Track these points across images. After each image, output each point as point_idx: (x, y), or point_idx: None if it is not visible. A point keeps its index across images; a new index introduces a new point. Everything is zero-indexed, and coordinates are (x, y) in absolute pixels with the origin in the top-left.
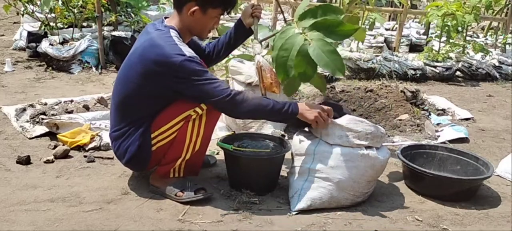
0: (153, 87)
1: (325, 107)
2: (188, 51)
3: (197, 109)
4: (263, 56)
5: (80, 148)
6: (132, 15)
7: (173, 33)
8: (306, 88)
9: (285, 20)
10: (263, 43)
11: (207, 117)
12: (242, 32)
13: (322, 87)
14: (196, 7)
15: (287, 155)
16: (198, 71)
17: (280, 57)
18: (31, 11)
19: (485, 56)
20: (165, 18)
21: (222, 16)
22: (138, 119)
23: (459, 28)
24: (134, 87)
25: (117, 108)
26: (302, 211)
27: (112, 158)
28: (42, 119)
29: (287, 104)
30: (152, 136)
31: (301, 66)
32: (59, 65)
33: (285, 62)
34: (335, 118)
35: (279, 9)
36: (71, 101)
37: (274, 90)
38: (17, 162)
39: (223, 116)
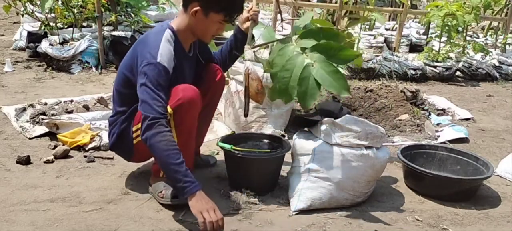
0: (134, 79)
1: (218, 212)
2: (164, 57)
3: (169, 110)
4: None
5: (80, 148)
6: (132, 15)
7: (167, 33)
8: None
9: (282, 20)
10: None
11: (176, 120)
12: (241, 38)
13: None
14: (198, 8)
15: (287, 155)
16: (154, 80)
17: (282, 78)
18: (31, 11)
19: (485, 56)
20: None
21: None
22: (125, 109)
23: (459, 28)
24: (124, 78)
25: (115, 95)
26: (302, 211)
27: (112, 158)
28: (42, 119)
29: (187, 183)
30: (133, 129)
31: (305, 86)
32: (59, 65)
33: (287, 83)
34: (335, 118)
35: (278, 9)
36: (71, 101)
37: (258, 99)
38: (17, 162)
39: (223, 116)
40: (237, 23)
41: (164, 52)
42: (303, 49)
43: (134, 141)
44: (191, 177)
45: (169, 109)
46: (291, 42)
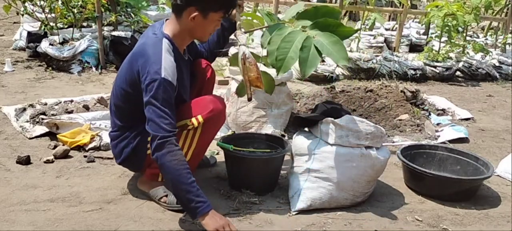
0: (138, 95)
1: (233, 226)
2: (168, 71)
3: (193, 121)
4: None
5: (80, 148)
6: (132, 15)
7: (165, 44)
8: (306, 88)
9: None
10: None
11: (202, 131)
12: (228, 26)
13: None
14: (196, 13)
15: (287, 155)
16: (160, 97)
17: (282, 48)
18: (31, 11)
19: (485, 56)
20: (167, 20)
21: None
22: (134, 122)
23: (459, 28)
24: (123, 93)
25: (115, 109)
26: (302, 211)
27: (112, 158)
28: (42, 119)
29: (199, 203)
30: (149, 139)
31: (305, 53)
32: (59, 65)
33: (286, 53)
34: (335, 118)
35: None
36: (71, 101)
37: (259, 85)
38: (17, 162)
39: None
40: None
41: (168, 66)
42: (304, 28)
43: (148, 151)
44: (203, 197)
45: (200, 118)
46: (286, 25)
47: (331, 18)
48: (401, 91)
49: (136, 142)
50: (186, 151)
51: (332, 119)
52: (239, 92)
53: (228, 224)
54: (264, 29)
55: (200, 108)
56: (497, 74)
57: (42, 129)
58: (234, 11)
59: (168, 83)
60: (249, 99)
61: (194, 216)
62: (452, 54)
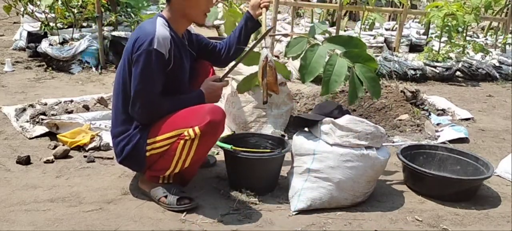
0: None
1: (218, 83)
2: (160, 42)
3: (190, 131)
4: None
5: (80, 148)
6: (132, 15)
7: (159, 20)
8: (306, 88)
9: (276, 19)
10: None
11: (200, 141)
12: (252, 25)
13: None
14: None
15: (287, 155)
16: (149, 66)
17: (327, 71)
18: (31, 11)
19: (485, 56)
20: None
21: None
22: (135, 121)
23: (459, 28)
24: (123, 82)
25: (115, 103)
26: (302, 211)
27: (112, 158)
28: (42, 119)
29: (195, 98)
30: (148, 142)
31: (352, 85)
32: (59, 65)
33: (330, 75)
34: (335, 118)
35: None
36: (71, 101)
37: (275, 89)
38: (17, 162)
39: None
40: (248, 9)
41: (161, 36)
42: (340, 53)
43: (147, 153)
44: (192, 94)
45: (197, 130)
46: (315, 42)
47: (360, 49)
48: (401, 91)
49: (136, 139)
50: (184, 158)
51: (332, 119)
52: (240, 89)
53: (219, 88)
54: (290, 38)
55: (197, 118)
56: (497, 74)
57: (42, 129)
58: (259, 11)
59: (159, 54)
60: (265, 103)
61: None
62: (452, 54)
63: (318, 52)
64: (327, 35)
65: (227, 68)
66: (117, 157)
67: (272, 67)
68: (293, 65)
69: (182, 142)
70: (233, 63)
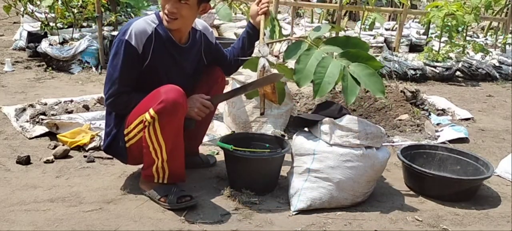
0: None
1: (204, 98)
2: (132, 35)
3: (147, 116)
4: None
5: (80, 148)
6: (132, 15)
7: (150, 16)
8: (306, 88)
9: (274, 19)
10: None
11: (160, 124)
12: (254, 33)
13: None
14: None
15: (287, 155)
16: (118, 55)
17: (318, 73)
18: (31, 11)
19: (485, 56)
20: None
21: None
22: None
23: (459, 28)
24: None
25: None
26: (302, 211)
27: (112, 158)
28: (42, 119)
29: None
30: (125, 132)
31: (345, 82)
32: (59, 65)
33: (322, 77)
34: (335, 118)
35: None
36: (71, 101)
37: (273, 99)
38: (17, 162)
39: (223, 116)
40: (249, 18)
41: (137, 30)
42: (335, 55)
43: (127, 144)
44: None
45: (152, 111)
46: (312, 45)
47: (361, 50)
48: (401, 91)
49: (116, 131)
50: (157, 146)
51: (332, 119)
52: (249, 94)
53: (201, 102)
54: (287, 42)
55: (153, 101)
56: (497, 74)
57: (42, 129)
58: (259, 18)
59: (128, 45)
60: (262, 114)
61: None
62: (452, 54)
63: (314, 55)
64: (334, 33)
65: (219, 97)
66: (103, 146)
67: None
68: (283, 61)
69: (146, 130)
70: (225, 94)
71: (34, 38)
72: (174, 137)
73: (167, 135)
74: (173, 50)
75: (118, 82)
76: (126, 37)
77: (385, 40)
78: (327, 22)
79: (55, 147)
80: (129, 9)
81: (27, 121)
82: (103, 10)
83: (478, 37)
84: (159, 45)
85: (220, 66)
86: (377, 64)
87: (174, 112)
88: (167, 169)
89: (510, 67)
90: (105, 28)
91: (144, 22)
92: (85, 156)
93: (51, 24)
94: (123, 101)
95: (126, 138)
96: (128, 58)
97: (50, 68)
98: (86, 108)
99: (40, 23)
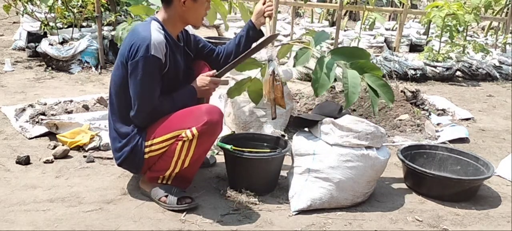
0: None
1: (210, 75)
2: (156, 47)
3: (188, 133)
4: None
5: (79, 148)
6: (132, 15)
7: (153, 24)
8: (306, 88)
9: (276, 19)
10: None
11: (198, 142)
12: (253, 35)
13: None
14: None
15: (287, 155)
16: (146, 72)
17: (344, 84)
18: (31, 11)
19: (485, 56)
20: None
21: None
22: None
23: (460, 28)
24: (118, 83)
25: (113, 110)
26: (302, 211)
27: (111, 158)
28: (42, 119)
29: (187, 98)
30: (146, 144)
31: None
32: (58, 65)
33: (347, 88)
34: (335, 118)
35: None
36: (71, 101)
37: (282, 104)
38: (17, 162)
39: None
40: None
41: (156, 42)
42: (344, 64)
43: (146, 156)
44: (184, 90)
45: (194, 131)
46: (324, 54)
47: (365, 60)
48: (401, 91)
49: (135, 142)
50: (183, 158)
51: (332, 119)
52: (231, 93)
53: (211, 82)
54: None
55: (194, 119)
56: (497, 74)
57: (42, 129)
58: (263, 20)
59: (156, 60)
60: (274, 118)
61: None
62: (452, 54)
63: (326, 65)
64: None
65: (224, 67)
66: (116, 159)
67: (280, 82)
68: (293, 66)
69: (180, 143)
70: (230, 63)
71: (34, 38)
72: (203, 152)
73: (199, 152)
74: (176, 51)
75: (154, 98)
76: (152, 53)
77: (385, 40)
78: (327, 22)
79: (54, 147)
80: (129, 9)
81: (27, 121)
82: (102, 10)
83: (478, 37)
84: (171, 50)
85: (206, 59)
86: (379, 73)
87: (214, 134)
88: (174, 175)
89: (511, 67)
90: (105, 28)
91: (155, 32)
92: (84, 156)
93: (51, 24)
94: (160, 114)
95: (147, 149)
96: (158, 72)
97: (49, 68)
98: (86, 108)
99: (40, 23)
